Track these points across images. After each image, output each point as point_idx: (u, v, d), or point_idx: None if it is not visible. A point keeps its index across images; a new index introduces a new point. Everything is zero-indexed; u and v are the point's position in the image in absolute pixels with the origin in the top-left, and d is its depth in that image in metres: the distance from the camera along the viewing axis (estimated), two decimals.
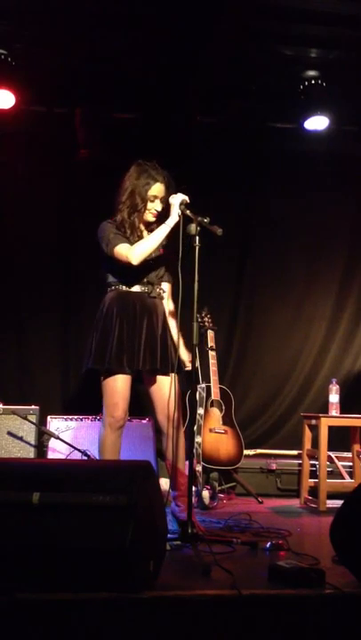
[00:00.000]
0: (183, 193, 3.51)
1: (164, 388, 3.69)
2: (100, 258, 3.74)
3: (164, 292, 3.81)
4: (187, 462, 3.50)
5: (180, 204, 3.49)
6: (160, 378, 3.70)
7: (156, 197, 3.67)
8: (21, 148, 5.22)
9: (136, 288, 3.70)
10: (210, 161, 5.43)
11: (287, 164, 5.67)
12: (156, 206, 3.69)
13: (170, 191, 3.66)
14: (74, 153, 5.25)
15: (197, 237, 3.33)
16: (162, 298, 3.80)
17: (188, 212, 3.43)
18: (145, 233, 3.73)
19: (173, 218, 3.54)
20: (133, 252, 3.57)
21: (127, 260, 3.57)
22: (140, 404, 4.32)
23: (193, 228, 3.34)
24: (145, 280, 3.70)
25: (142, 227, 3.73)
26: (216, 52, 4.60)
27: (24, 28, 4.45)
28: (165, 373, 3.69)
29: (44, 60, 4.66)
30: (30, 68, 4.68)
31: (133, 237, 3.65)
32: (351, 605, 2.23)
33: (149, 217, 3.71)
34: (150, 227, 3.74)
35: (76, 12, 4.22)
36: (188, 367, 3.78)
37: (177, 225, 3.52)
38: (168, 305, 3.86)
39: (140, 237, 3.68)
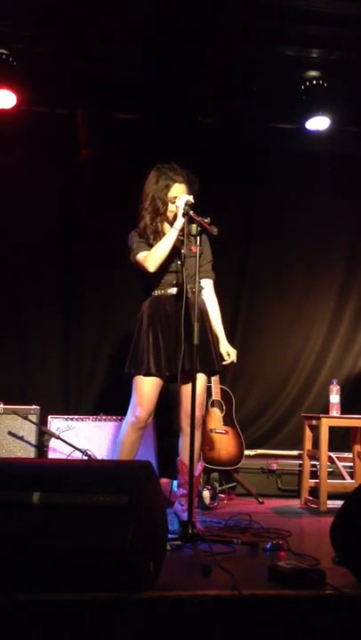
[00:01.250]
0: (188, 207, 3.47)
1: (198, 388, 3.61)
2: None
3: (203, 288, 3.83)
4: (199, 463, 3.51)
5: (185, 204, 3.50)
6: (199, 377, 3.64)
7: (176, 198, 3.66)
8: (22, 148, 5.22)
9: (171, 290, 3.72)
10: (211, 161, 5.42)
11: (288, 164, 5.68)
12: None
13: (193, 188, 3.70)
14: (75, 153, 5.24)
15: (198, 238, 3.34)
16: (199, 292, 3.75)
17: (190, 212, 3.44)
18: None
19: (180, 220, 3.55)
20: (148, 261, 3.62)
21: (145, 269, 3.63)
22: None
23: (194, 228, 3.37)
24: (174, 282, 3.72)
25: (167, 229, 3.71)
26: (217, 52, 4.60)
27: (25, 28, 4.45)
28: (204, 372, 3.72)
29: (45, 61, 4.66)
30: (32, 68, 4.68)
31: (156, 240, 3.67)
32: (351, 606, 2.23)
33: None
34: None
35: (77, 12, 4.22)
36: (227, 360, 3.86)
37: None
38: (209, 300, 3.88)
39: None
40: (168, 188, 3.68)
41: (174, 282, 3.71)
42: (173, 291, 3.71)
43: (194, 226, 3.37)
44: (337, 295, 5.87)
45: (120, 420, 4.64)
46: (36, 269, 5.40)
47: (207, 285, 3.89)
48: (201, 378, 3.70)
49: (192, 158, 5.28)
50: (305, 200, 5.76)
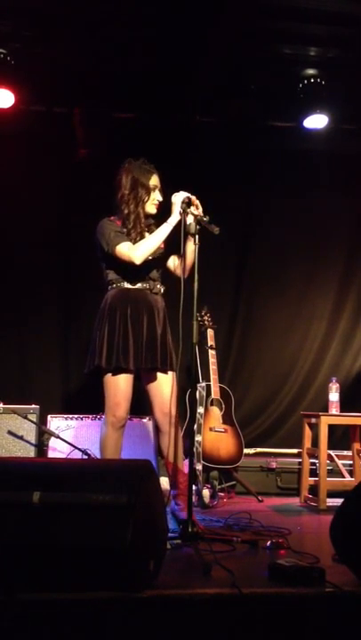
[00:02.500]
0: (187, 206, 3.48)
1: (163, 385, 3.70)
2: (98, 256, 3.74)
3: (164, 288, 3.81)
4: (186, 461, 3.49)
5: (182, 202, 3.49)
6: (159, 375, 3.70)
7: (156, 187, 3.72)
8: (21, 147, 5.21)
9: (138, 285, 3.69)
10: (209, 160, 5.43)
11: (287, 162, 5.67)
12: (157, 196, 3.72)
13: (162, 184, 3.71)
14: (73, 152, 5.24)
15: (197, 236, 3.34)
16: (162, 294, 3.79)
17: (189, 210, 3.44)
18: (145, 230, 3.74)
19: (175, 216, 3.54)
20: (136, 252, 3.58)
21: (130, 260, 3.59)
22: (141, 402, 4.32)
23: (192, 226, 3.36)
24: (147, 277, 3.71)
25: (142, 220, 3.72)
26: (215, 51, 4.60)
27: (23, 27, 4.44)
28: (165, 371, 3.69)
29: (43, 60, 4.65)
30: (30, 67, 4.67)
31: (136, 230, 3.67)
32: (351, 604, 2.23)
33: (152, 208, 3.74)
34: (149, 220, 3.75)
35: (75, 12, 4.22)
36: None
37: (178, 223, 3.52)
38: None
39: (142, 230, 3.69)
40: (149, 175, 3.70)
41: (146, 276, 3.69)
42: (146, 285, 3.69)
43: (192, 224, 3.36)
44: (336, 293, 5.87)
45: None
46: (35, 269, 5.40)
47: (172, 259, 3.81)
48: (172, 377, 3.69)
49: (190, 157, 5.32)
50: (303, 198, 5.76)
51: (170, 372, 3.70)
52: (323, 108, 5.03)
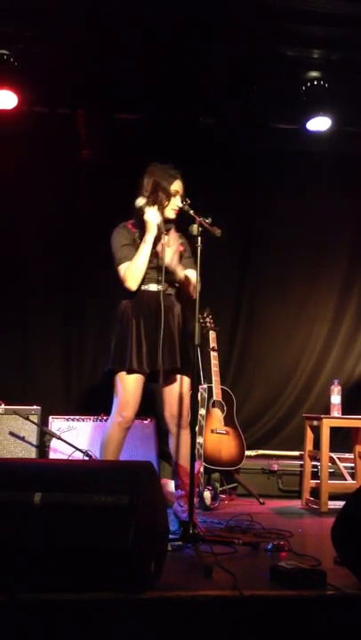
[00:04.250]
0: (189, 207, 3.49)
1: (175, 387, 3.73)
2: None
3: (176, 287, 3.80)
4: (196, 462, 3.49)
5: (156, 222, 3.55)
6: (172, 377, 3.72)
7: (177, 192, 3.71)
8: (23, 148, 5.22)
9: (153, 287, 3.69)
10: (212, 162, 5.43)
11: (289, 164, 5.67)
12: (177, 202, 3.70)
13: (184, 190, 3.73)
14: (76, 154, 5.24)
15: (199, 238, 3.34)
16: (176, 296, 3.79)
17: (191, 212, 3.45)
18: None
19: (151, 233, 3.58)
20: (128, 280, 3.63)
21: (127, 287, 3.64)
22: (143, 404, 4.32)
23: (195, 228, 3.36)
24: (160, 278, 3.69)
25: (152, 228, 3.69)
26: (218, 53, 4.60)
27: (26, 28, 4.44)
28: (179, 373, 3.72)
29: (46, 61, 4.65)
30: (32, 68, 4.67)
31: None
32: (352, 606, 2.23)
33: (171, 214, 3.72)
34: (167, 225, 3.73)
35: (78, 13, 4.22)
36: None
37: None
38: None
39: (160, 234, 3.66)
40: (171, 180, 3.70)
41: (158, 278, 3.68)
42: (157, 287, 3.68)
43: (195, 226, 3.37)
44: (338, 295, 5.86)
45: None
46: (37, 270, 5.39)
47: (191, 274, 3.74)
48: (186, 379, 3.71)
49: (193, 158, 5.31)
50: (306, 200, 5.75)
51: (184, 375, 3.72)
52: (326, 111, 5.02)
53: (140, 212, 3.61)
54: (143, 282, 3.69)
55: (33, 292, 5.41)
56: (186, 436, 3.70)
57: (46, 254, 5.41)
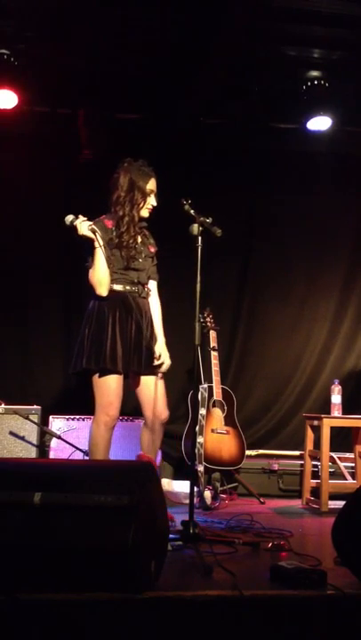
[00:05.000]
0: (189, 207, 3.48)
1: (150, 387, 3.70)
2: (84, 256, 3.74)
3: (150, 290, 3.81)
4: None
5: (85, 228, 3.56)
6: (145, 378, 3.70)
7: (152, 192, 3.71)
8: (24, 148, 5.22)
9: (127, 288, 3.69)
10: (212, 161, 5.43)
11: (290, 164, 5.67)
12: (152, 201, 3.72)
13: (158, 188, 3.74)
14: (77, 153, 5.24)
15: (200, 238, 3.34)
16: (149, 297, 3.80)
17: (191, 211, 3.44)
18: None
19: (98, 242, 3.58)
20: (96, 288, 3.64)
21: (98, 293, 3.64)
22: (138, 404, 4.32)
23: (195, 228, 3.36)
24: (135, 280, 3.70)
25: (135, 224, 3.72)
26: (219, 52, 4.60)
27: (27, 28, 4.44)
28: (151, 374, 3.69)
29: (46, 61, 4.65)
30: (33, 68, 4.67)
31: (129, 233, 3.66)
32: (353, 606, 2.23)
33: (145, 212, 3.73)
34: (141, 223, 3.74)
35: (78, 12, 4.22)
36: (157, 362, 3.70)
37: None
38: (153, 301, 3.83)
39: (136, 233, 3.69)
40: (147, 179, 3.70)
41: (135, 280, 3.69)
42: (135, 289, 3.69)
43: (195, 226, 3.37)
44: (339, 295, 5.86)
45: (121, 421, 4.64)
46: (37, 270, 5.40)
47: (153, 286, 3.84)
48: (156, 379, 3.71)
49: (193, 158, 5.32)
50: (306, 200, 5.75)
51: (156, 375, 3.70)
52: (326, 110, 5.02)
53: (74, 229, 3.58)
54: (119, 282, 3.68)
55: (33, 291, 5.40)
56: (161, 433, 3.74)
57: (46, 254, 5.41)
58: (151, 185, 3.70)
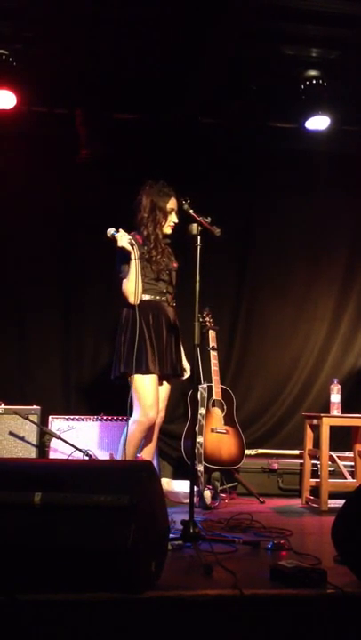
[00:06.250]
0: (188, 206, 3.52)
1: (167, 389, 4.08)
2: (116, 269, 4.01)
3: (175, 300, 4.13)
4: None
5: (125, 241, 3.83)
6: (166, 382, 4.06)
7: (173, 210, 4.01)
8: (22, 148, 5.22)
9: (156, 297, 3.98)
10: (211, 161, 5.43)
11: (288, 163, 5.67)
12: (173, 219, 4.02)
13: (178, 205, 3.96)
14: (75, 153, 5.24)
15: (199, 237, 3.35)
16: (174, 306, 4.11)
17: (191, 211, 3.45)
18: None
19: (134, 254, 3.86)
20: (129, 297, 3.91)
21: (130, 302, 3.90)
22: None
23: (194, 227, 3.37)
24: (164, 290, 4.01)
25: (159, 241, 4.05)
26: (217, 52, 4.60)
27: (25, 28, 4.44)
28: (173, 378, 4.08)
29: (45, 61, 4.64)
30: (31, 68, 4.66)
31: (157, 249, 3.98)
32: (353, 605, 2.23)
33: (168, 230, 4.05)
34: (166, 239, 4.06)
35: (76, 13, 4.22)
36: (185, 376, 4.16)
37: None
38: None
39: (163, 249, 4.01)
40: (167, 200, 3.99)
41: (164, 290, 4.00)
42: (164, 298, 4.01)
43: (194, 225, 3.37)
44: (337, 294, 5.86)
45: (121, 421, 4.65)
46: (36, 270, 5.39)
47: None
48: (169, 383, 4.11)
49: (192, 158, 5.32)
50: (305, 200, 5.75)
51: (171, 380, 4.08)
52: (325, 110, 5.01)
53: (114, 241, 3.85)
54: (150, 292, 3.97)
55: (32, 291, 5.40)
56: (157, 429, 4.05)
57: (44, 253, 5.41)
58: (171, 204, 4.00)
